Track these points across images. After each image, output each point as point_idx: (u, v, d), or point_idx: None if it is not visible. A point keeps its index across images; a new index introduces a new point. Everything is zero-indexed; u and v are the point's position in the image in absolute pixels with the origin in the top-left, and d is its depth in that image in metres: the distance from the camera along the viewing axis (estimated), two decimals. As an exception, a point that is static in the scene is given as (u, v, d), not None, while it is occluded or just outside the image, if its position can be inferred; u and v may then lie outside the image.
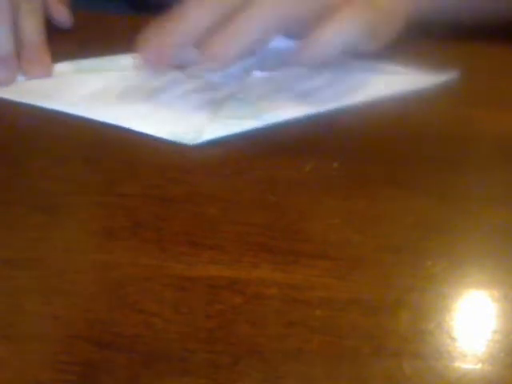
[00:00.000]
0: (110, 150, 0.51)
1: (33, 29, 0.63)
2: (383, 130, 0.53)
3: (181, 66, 0.59)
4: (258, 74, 0.61)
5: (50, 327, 0.38)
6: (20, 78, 0.60)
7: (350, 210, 0.46)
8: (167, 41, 0.55)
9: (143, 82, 0.60)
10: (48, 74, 0.61)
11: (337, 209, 0.46)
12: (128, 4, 0.79)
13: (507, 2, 0.64)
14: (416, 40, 0.55)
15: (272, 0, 0.54)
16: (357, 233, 0.44)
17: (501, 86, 0.57)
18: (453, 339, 0.38)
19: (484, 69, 0.58)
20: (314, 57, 0.54)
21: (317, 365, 0.36)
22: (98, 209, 0.45)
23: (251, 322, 0.38)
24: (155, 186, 0.48)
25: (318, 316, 0.39)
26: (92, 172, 0.47)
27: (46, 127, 0.55)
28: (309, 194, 0.47)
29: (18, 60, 0.61)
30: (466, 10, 0.62)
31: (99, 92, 0.59)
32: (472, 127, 0.52)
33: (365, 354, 0.37)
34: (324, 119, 0.53)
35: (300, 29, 0.55)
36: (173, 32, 0.55)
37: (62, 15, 0.69)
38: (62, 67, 0.63)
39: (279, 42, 0.61)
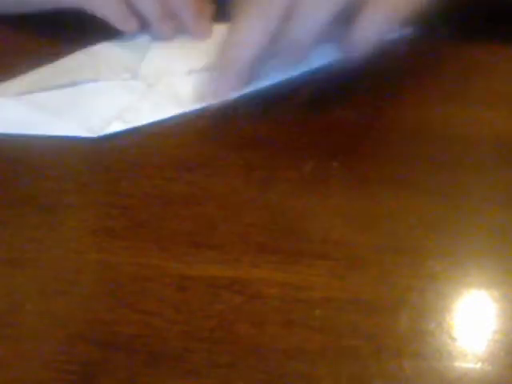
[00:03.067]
0: (109, 149, 0.51)
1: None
2: (383, 131, 0.53)
3: None
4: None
5: (50, 327, 0.38)
6: None
7: (350, 210, 0.46)
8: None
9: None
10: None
11: (337, 209, 0.46)
12: None
13: None
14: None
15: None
16: (357, 233, 0.44)
17: (501, 85, 0.57)
18: (453, 339, 0.38)
19: (484, 68, 0.58)
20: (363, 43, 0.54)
21: (317, 364, 0.36)
22: (98, 209, 0.45)
23: (251, 322, 0.38)
24: (155, 185, 0.48)
25: (317, 316, 0.39)
26: (92, 172, 0.47)
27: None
28: (309, 193, 0.47)
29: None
30: None
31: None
32: (472, 127, 0.52)
33: (365, 353, 0.37)
34: (324, 119, 0.53)
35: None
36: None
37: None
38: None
39: None
